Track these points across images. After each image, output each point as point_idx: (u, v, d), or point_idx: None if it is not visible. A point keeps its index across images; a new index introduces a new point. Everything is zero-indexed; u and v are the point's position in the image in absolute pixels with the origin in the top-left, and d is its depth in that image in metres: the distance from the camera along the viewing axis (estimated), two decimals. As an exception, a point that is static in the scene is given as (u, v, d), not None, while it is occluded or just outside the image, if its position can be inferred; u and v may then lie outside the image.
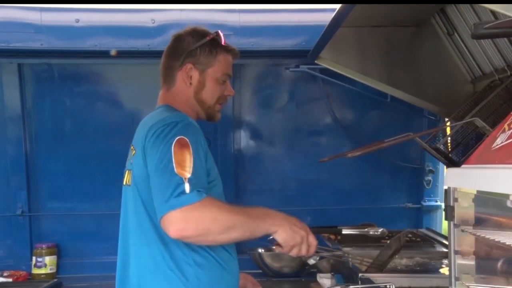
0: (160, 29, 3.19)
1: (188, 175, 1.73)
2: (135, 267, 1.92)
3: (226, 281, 1.92)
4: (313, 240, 1.94)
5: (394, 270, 2.41)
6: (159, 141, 1.80)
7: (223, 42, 2.04)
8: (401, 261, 2.53)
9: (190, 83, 2.02)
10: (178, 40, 2.06)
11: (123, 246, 2.00)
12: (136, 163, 1.88)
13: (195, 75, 2.01)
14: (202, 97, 2.03)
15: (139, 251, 1.91)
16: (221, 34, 2.04)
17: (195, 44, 2.01)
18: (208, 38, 2.02)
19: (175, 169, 1.73)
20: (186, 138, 1.79)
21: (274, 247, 1.97)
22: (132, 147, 1.98)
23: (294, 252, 1.91)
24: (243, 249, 3.38)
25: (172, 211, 1.68)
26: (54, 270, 3.41)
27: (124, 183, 2.01)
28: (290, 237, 1.87)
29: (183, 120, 1.87)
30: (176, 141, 1.78)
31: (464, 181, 1.51)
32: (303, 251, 1.91)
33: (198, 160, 1.78)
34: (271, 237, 1.90)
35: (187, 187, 1.71)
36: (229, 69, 2.08)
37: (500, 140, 1.38)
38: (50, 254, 3.40)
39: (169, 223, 1.69)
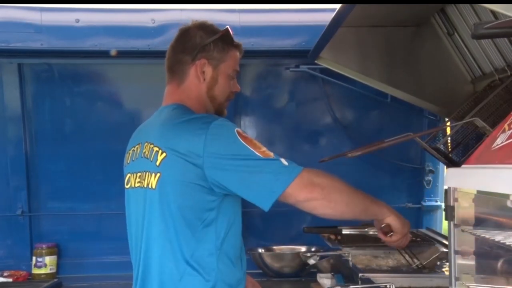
0: (160, 29, 3.19)
1: (271, 153, 1.80)
2: (158, 273, 1.87)
3: (242, 285, 1.93)
4: (409, 236, 2.03)
5: (394, 270, 2.41)
6: (222, 141, 1.78)
7: (233, 38, 2.04)
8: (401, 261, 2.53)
9: (204, 79, 1.97)
10: (188, 34, 2.00)
11: (144, 254, 1.91)
12: (173, 168, 1.81)
13: (209, 70, 1.97)
14: (214, 93, 1.99)
15: (163, 257, 1.85)
16: (231, 30, 2.03)
17: (208, 39, 1.97)
18: (221, 33, 2.00)
19: (260, 155, 1.77)
20: (238, 128, 1.83)
21: (380, 235, 1.99)
22: (155, 148, 1.86)
23: (402, 242, 1.98)
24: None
25: (294, 181, 1.75)
26: (54, 270, 3.41)
27: (139, 185, 1.92)
28: (405, 224, 1.94)
29: (216, 117, 1.88)
30: (237, 133, 1.79)
31: (464, 181, 1.51)
32: (404, 243, 2.00)
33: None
34: (383, 225, 1.95)
35: (284, 161, 1.79)
36: (238, 65, 2.07)
37: (500, 140, 1.38)
38: (50, 254, 3.40)
39: (298, 189, 1.76)
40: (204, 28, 2.01)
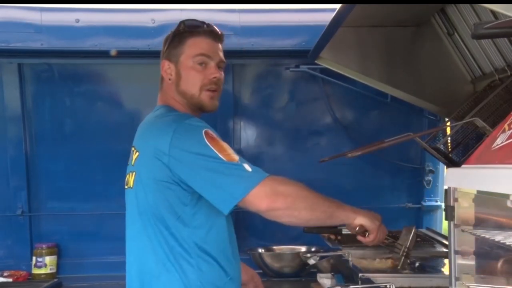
0: (160, 29, 3.19)
1: (236, 157, 1.78)
2: (138, 272, 1.90)
3: (233, 285, 1.91)
4: (383, 227, 1.97)
5: (394, 270, 2.41)
6: (187, 140, 1.79)
7: (188, 27, 1.98)
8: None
9: (170, 79, 1.99)
10: (163, 43, 2.06)
11: (128, 251, 1.97)
12: (144, 165, 1.86)
13: (172, 68, 1.98)
14: (181, 88, 1.96)
15: (142, 256, 1.88)
16: (191, 21, 1.99)
17: (167, 42, 2.01)
18: (172, 33, 2.00)
19: (223, 158, 1.75)
20: (209, 129, 1.82)
21: (358, 237, 1.97)
22: (134, 149, 1.94)
23: (378, 238, 1.94)
24: (243, 249, 3.38)
25: (255, 188, 1.72)
26: (54, 270, 3.41)
27: (127, 186, 1.98)
28: (373, 219, 1.92)
29: (190, 116, 1.89)
30: (205, 134, 1.79)
31: (464, 181, 1.51)
32: (381, 236, 1.96)
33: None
34: (357, 228, 1.92)
35: (247, 167, 1.77)
36: (202, 49, 1.95)
37: (500, 140, 1.38)
38: (50, 254, 3.40)
39: (259, 198, 1.73)
40: (168, 34, 2.03)
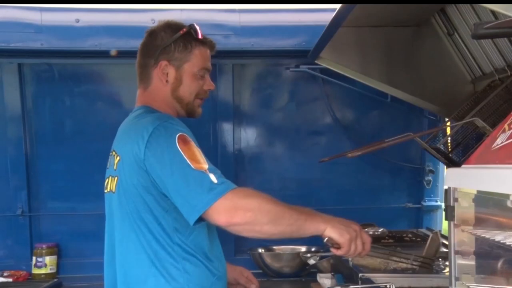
0: (160, 29, 3.19)
1: (206, 166, 1.73)
2: (123, 278, 1.87)
3: (215, 287, 1.89)
4: (366, 236, 1.84)
5: (394, 270, 2.41)
6: (160, 144, 1.76)
7: (199, 35, 1.97)
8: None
9: (167, 81, 1.96)
10: (151, 36, 2.00)
11: (110, 257, 1.94)
12: (125, 170, 1.83)
13: (171, 72, 1.95)
14: (179, 94, 1.96)
15: (126, 261, 1.86)
16: (197, 27, 1.98)
17: (169, 39, 1.95)
18: (181, 32, 1.95)
19: (192, 166, 1.71)
20: (184, 134, 1.78)
21: (331, 249, 1.83)
22: (113, 153, 1.92)
23: (352, 250, 1.79)
24: (243, 249, 3.39)
25: (216, 202, 1.67)
26: (54, 270, 3.41)
27: (107, 190, 1.95)
28: (344, 231, 1.77)
29: (169, 118, 1.86)
30: (178, 138, 1.75)
31: (464, 181, 1.51)
32: (359, 247, 1.80)
33: (201, 151, 1.78)
34: (326, 239, 1.80)
35: (213, 178, 1.70)
36: (207, 63, 2.00)
37: (500, 140, 1.38)
38: (50, 254, 3.40)
39: (217, 212, 1.68)
40: (167, 28, 1.99)
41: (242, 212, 1.69)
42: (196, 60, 1.97)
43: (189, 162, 1.71)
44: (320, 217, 1.79)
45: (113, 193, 1.90)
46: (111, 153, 1.97)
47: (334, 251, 1.82)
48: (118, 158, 1.87)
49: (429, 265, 2.40)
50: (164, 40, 1.96)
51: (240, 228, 1.73)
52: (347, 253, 1.81)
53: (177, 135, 1.76)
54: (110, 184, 1.92)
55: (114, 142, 1.97)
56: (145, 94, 2.00)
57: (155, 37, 1.99)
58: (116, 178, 1.88)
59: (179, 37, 1.95)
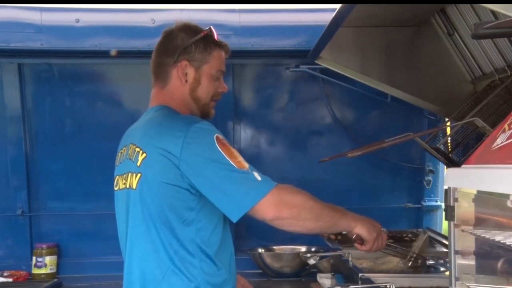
0: (160, 29, 3.12)
1: (246, 165, 1.79)
2: (140, 276, 1.88)
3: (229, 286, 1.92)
4: (384, 234, 2.03)
5: (394, 270, 2.41)
6: (199, 145, 1.77)
7: (216, 38, 2.01)
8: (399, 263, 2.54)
9: (186, 81, 1.97)
10: (171, 36, 2.01)
11: (128, 255, 1.94)
12: (152, 167, 1.82)
13: (191, 72, 1.97)
14: (197, 94, 1.99)
15: (144, 258, 1.87)
16: (214, 30, 2.01)
17: (189, 40, 1.97)
18: (202, 34, 1.98)
19: (234, 165, 1.76)
20: (220, 135, 1.82)
21: (355, 244, 2.01)
22: (136, 148, 1.89)
23: (375, 247, 1.99)
24: (243, 249, 3.39)
25: (264, 198, 1.74)
26: (54, 270, 3.41)
27: (124, 186, 1.94)
28: (372, 230, 1.96)
29: (200, 119, 1.89)
30: (216, 139, 1.78)
31: (464, 181, 1.51)
32: (380, 245, 2.00)
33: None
34: (354, 236, 1.97)
35: (256, 176, 1.78)
36: (223, 65, 2.04)
37: (500, 140, 1.38)
38: (50, 254, 3.40)
39: (266, 207, 1.75)
40: (186, 29, 2.00)
41: (288, 207, 1.79)
42: (214, 62, 2.00)
43: (231, 162, 1.76)
44: (351, 215, 1.96)
45: (133, 189, 1.87)
46: (126, 149, 1.95)
47: (358, 247, 2.01)
48: (144, 155, 1.84)
49: (417, 260, 2.48)
50: (185, 40, 1.98)
51: (285, 222, 1.81)
52: (370, 249, 1.99)
53: (215, 136, 1.79)
54: (130, 181, 1.90)
55: (135, 137, 1.94)
56: (163, 93, 2.01)
57: (175, 37, 2.00)
58: (139, 174, 1.85)
59: (200, 38, 1.98)
